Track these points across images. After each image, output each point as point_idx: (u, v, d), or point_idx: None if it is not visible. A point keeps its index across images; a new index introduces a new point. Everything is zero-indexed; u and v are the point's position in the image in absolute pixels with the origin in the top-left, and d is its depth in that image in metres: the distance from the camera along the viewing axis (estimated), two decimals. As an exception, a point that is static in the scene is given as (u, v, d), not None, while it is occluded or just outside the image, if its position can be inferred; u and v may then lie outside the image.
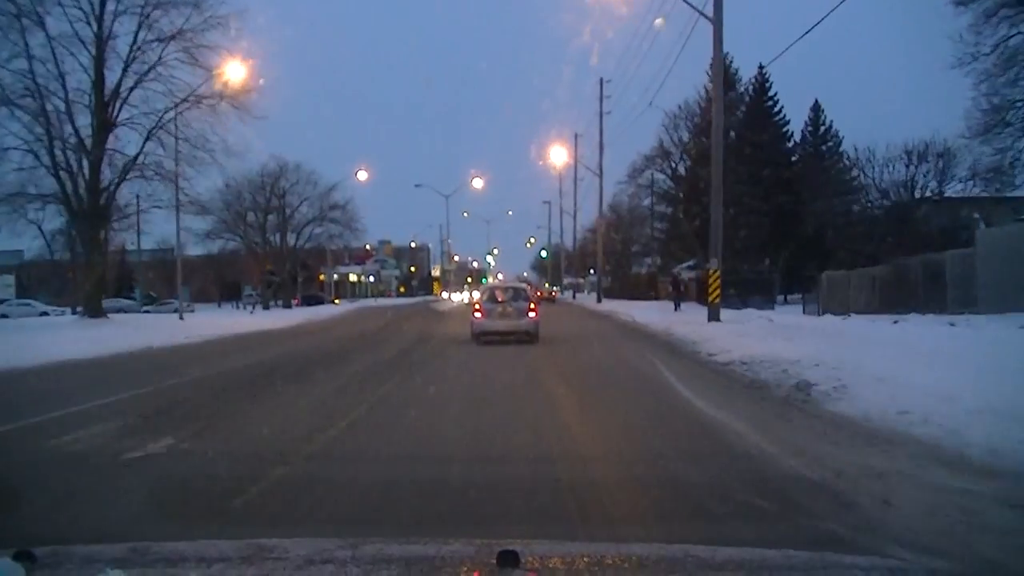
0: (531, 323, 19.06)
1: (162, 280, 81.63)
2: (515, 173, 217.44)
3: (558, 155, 55.20)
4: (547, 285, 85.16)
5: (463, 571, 1.85)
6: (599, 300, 48.56)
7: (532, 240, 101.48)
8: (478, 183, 67.27)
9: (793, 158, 47.93)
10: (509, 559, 1.64)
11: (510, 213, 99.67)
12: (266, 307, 61.46)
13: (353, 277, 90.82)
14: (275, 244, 64.59)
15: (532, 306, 19.65)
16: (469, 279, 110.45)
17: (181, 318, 34.31)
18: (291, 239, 65.04)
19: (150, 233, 69.15)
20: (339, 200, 63.41)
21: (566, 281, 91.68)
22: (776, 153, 46.87)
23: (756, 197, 44.43)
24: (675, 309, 37.23)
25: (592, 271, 77.34)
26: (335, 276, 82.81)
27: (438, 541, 2.09)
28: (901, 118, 76.88)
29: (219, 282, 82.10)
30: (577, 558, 1.90)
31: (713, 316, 22.82)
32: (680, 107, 47.20)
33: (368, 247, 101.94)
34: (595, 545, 2.42)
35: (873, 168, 35.56)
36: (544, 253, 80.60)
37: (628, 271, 61.19)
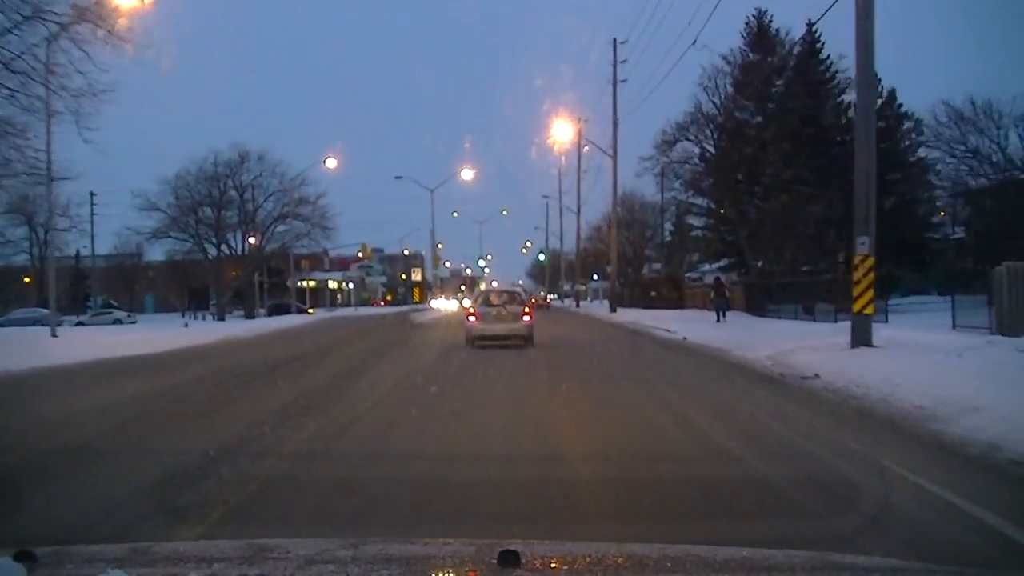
0: (526, 327, 18.20)
1: (123, 287, 71.28)
2: (511, 172, 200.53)
3: (560, 141, 45.02)
4: (542, 293, 74.95)
5: (464, 571, 1.75)
6: (613, 308, 38.37)
7: (528, 244, 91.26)
8: (467, 174, 56.96)
9: (848, 136, 37.93)
10: (510, 559, 1.57)
11: (504, 212, 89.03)
12: (221, 318, 51.18)
13: (333, 284, 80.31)
14: (233, 246, 54.27)
15: (527, 310, 18.78)
16: (463, 287, 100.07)
17: (53, 334, 24.10)
18: (257, 240, 54.63)
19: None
20: (309, 195, 53.21)
21: (565, 287, 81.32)
22: (832, 129, 36.95)
23: (812, 183, 34.33)
24: (718, 320, 27.31)
25: (596, 276, 67.18)
26: (310, 283, 72.48)
27: (439, 541, 2.01)
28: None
29: (185, 289, 71.06)
30: (578, 558, 1.80)
31: (861, 336, 12.54)
32: (727, 58, 36.92)
33: (360, 254, 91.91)
34: (596, 545, 2.08)
35: (997, 130, 25.53)
36: (542, 256, 70.50)
37: (639, 275, 50.85)
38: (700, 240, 40.66)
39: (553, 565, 1.75)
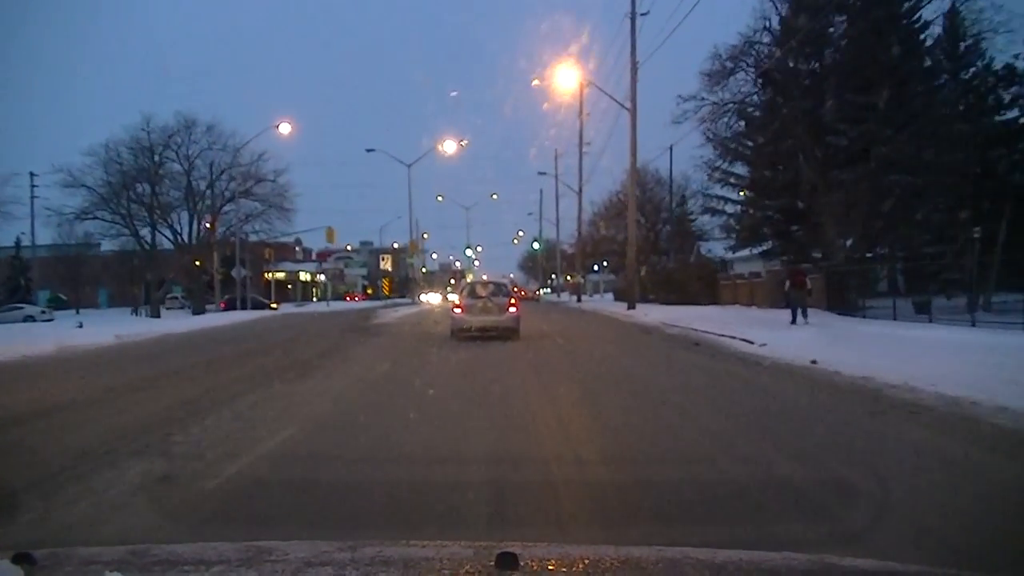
0: (512, 318, 16.77)
1: (69, 281, 61.04)
2: (503, 158, 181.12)
3: (561, 90, 35.37)
4: (531, 286, 65.47)
5: (462, 573, 1.64)
6: (631, 305, 28.95)
7: (521, 233, 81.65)
8: (449, 146, 47.42)
9: (933, 84, 28.86)
10: (508, 561, 1.53)
11: (495, 197, 79.28)
12: (156, 314, 41.64)
13: (306, 276, 70.60)
14: (179, 230, 44.59)
15: (513, 302, 17.36)
16: (452, 280, 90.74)
17: None
18: (212, 223, 44.84)
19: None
20: (266, 172, 43.65)
21: (558, 280, 71.77)
22: (914, 78, 27.67)
23: (890, 142, 25.07)
24: (794, 320, 18.29)
25: (597, 267, 57.80)
26: (278, 274, 62.86)
27: (437, 543, 1.86)
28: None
29: (140, 281, 60.97)
30: (576, 560, 1.73)
31: None
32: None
33: (349, 248, 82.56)
34: (594, 548, 1.97)
35: None
36: (536, 244, 60.97)
37: (656, 265, 41.27)
38: (738, 217, 31.28)
39: (551, 567, 1.67)
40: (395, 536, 2.97)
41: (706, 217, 42.31)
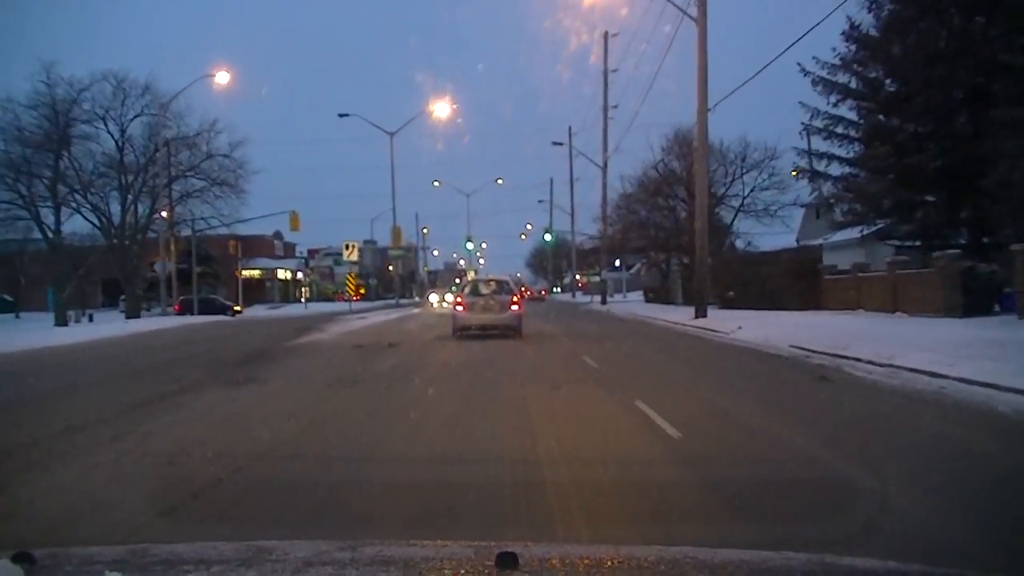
0: (514, 316, 16.06)
1: (11, 280, 51.13)
2: (512, 147, 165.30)
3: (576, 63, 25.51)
4: (541, 284, 55.72)
5: (462, 573, 1.62)
6: (700, 312, 19.09)
7: (529, 227, 71.92)
8: (442, 109, 37.83)
9: None
10: (508, 561, 1.48)
11: (499, 182, 69.47)
12: (62, 322, 31.88)
13: (285, 274, 61.02)
14: (109, 215, 34.90)
15: (515, 299, 16.49)
16: (457, 280, 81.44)
17: None
18: (168, 212, 35.13)
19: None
20: (218, 145, 34.01)
21: (575, 276, 61.80)
22: None
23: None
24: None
25: (618, 263, 47.89)
26: (253, 272, 53.32)
27: (437, 543, 1.82)
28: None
29: (96, 280, 51.11)
30: (577, 560, 1.69)
31: None
32: None
33: (349, 246, 73.10)
34: (594, 547, 2.02)
35: None
36: (548, 236, 51.43)
37: (722, 253, 30.64)
38: (848, 182, 21.39)
39: (551, 567, 1.62)
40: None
41: (769, 193, 32.59)
